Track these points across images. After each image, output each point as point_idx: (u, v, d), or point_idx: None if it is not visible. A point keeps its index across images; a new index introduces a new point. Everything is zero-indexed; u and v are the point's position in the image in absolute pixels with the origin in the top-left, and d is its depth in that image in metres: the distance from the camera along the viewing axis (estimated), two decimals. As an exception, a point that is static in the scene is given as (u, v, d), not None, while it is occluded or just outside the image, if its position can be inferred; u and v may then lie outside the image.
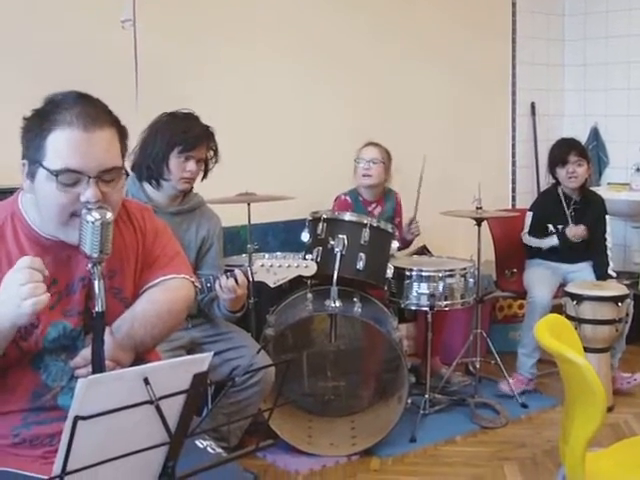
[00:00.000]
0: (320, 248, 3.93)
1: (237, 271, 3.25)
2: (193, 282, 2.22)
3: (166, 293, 2.11)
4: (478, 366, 4.58)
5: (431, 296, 4.15)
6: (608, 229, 4.91)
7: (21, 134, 1.92)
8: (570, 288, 4.50)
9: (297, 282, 3.84)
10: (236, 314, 3.45)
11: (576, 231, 4.76)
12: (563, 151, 4.85)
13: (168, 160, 3.35)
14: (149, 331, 2.04)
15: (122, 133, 1.97)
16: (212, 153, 3.48)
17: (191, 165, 3.37)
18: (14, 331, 1.80)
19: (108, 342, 1.93)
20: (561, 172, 4.84)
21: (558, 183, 4.92)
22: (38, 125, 1.86)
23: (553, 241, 4.83)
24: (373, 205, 4.69)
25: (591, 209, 4.91)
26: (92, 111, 1.87)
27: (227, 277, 3.24)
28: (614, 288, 4.53)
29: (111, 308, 1.96)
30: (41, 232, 1.95)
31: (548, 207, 4.94)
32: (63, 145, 1.83)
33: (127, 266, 2.07)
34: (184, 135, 3.35)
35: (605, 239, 4.89)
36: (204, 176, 3.51)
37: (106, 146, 1.88)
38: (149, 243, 2.14)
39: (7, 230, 1.96)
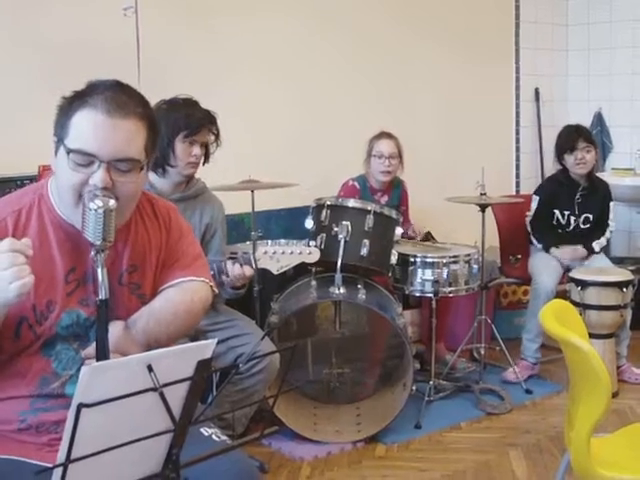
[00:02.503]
0: (324, 235, 3.93)
1: (240, 259, 3.23)
2: (212, 286, 2.22)
3: (185, 294, 2.11)
4: (483, 352, 4.59)
5: (435, 282, 4.15)
6: (611, 215, 4.93)
7: (56, 111, 1.93)
8: (575, 274, 4.50)
9: (301, 269, 3.84)
10: (239, 291, 3.42)
11: (563, 255, 4.78)
12: (571, 137, 4.83)
13: (174, 146, 3.36)
14: (164, 329, 2.03)
15: (152, 129, 1.96)
16: (213, 137, 3.48)
17: (196, 149, 3.39)
18: (5, 311, 1.79)
19: (121, 336, 1.94)
20: (569, 158, 4.82)
21: (565, 169, 4.90)
22: (69, 104, 1.89)
23: (541, 249, 4.84)
24: (379, 194, 4.69)
25: (597, 195, 4.91)
26: (122, 99, 1.88)
27: (233, 264, 3.22)
28: (619, 273, 4.52)
29: (127, 303, 2.00)
30: (65, 217, 1.96)
31: (555, 193, 4.92)
32: (84, 126, 1.85)
33: (148, 262, 2.08)
34: (187, 120, 3.35)
35: (608, 225, 4.90)
36: (205, 160, 3.50)
37: (127, 136, 1.87)
38: (173, 242, 2.14)
39: (33, 213, 1.96)
